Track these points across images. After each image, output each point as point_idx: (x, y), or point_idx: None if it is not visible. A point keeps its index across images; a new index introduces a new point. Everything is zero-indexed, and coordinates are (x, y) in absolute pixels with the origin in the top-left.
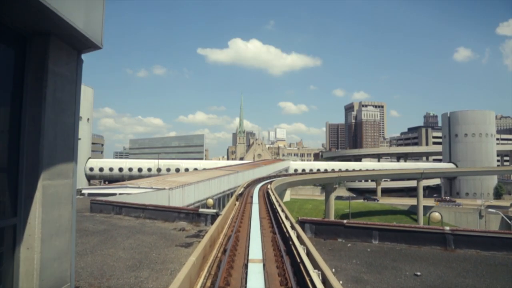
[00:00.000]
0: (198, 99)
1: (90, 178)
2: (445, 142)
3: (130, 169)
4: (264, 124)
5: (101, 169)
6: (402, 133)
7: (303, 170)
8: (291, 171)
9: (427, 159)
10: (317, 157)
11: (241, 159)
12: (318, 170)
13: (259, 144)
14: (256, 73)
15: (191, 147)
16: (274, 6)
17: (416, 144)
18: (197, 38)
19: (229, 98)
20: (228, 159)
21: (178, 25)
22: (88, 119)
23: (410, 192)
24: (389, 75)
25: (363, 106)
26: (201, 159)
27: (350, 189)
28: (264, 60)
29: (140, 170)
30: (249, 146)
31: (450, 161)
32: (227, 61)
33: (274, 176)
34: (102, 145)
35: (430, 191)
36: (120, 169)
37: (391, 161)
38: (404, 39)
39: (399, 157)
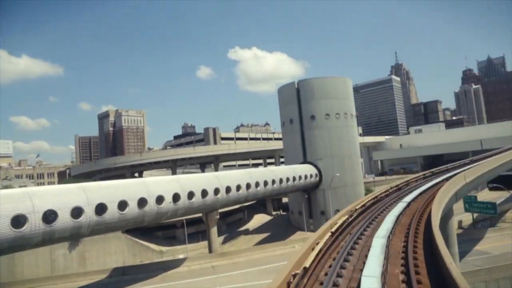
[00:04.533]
0: None
1: None
2: None
3: None
4: None
5: None
6: (175, 137)
7: None
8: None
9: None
10: (64, 175)
11: None
12: None
13: None
14: None
15: None
16: None
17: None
18: None
19: None
20: None
21: None
22: None
23: None
24: (140, 89)
25: (122, 114)
26: None
27: None
28: None
29: None
30: None
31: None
32: None
33: None
34: None
35: None
36: None
37: (196, 171)
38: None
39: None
